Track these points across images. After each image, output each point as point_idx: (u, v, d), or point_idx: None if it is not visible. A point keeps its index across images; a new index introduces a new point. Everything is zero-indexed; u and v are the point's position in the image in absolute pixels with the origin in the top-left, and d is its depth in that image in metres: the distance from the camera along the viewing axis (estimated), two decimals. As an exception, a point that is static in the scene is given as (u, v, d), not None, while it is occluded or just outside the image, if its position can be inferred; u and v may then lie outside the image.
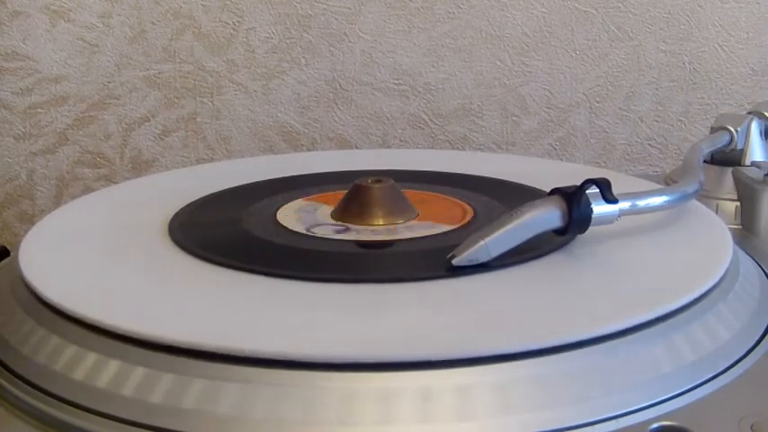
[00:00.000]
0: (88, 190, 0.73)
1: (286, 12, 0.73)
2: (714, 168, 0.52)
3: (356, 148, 0.75)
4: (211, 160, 0.75)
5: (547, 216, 0.37)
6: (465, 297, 0.34)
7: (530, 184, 0.48)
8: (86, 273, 0.37)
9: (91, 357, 0.31)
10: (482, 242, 0.35)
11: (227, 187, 0.49)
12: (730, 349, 0.33)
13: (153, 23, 0.73)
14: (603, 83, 0.75)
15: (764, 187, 0.48)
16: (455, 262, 0.35)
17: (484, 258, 0.36)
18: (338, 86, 0.75)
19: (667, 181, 0.54)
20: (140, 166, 0.75)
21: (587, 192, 0.37)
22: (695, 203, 0.44)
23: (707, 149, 0.50)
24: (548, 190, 0.38)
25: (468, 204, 0.45)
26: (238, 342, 0.30)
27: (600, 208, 0.37)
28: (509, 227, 0.36)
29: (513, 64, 0.75)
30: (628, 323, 0.32)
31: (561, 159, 0.76)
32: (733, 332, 0.34)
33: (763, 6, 0.74)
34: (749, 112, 0.54)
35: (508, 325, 0.32)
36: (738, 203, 0.50)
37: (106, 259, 0.39)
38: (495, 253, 0.36)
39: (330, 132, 0.75)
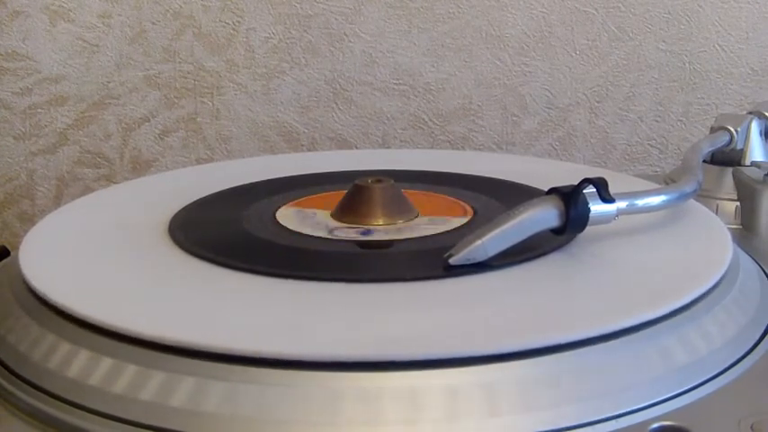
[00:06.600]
0: (88, 190, 0.73)
1: (286, 12, 0.73)
2: (714, 168, 0.52)
3: (356, 148, 0.75)
4: (211, 160, 0.75)
5: (544, 215, 0.37)
6: (462, 297, 0.34)
7: (529, 184, 0.48)
8: (86, 273, 0.37)
9: (91, 357, 0.31)
10: (479, 241, 0.35)
11: (227, 187, 0.49)
12: (730, 349, 0.33)
13: (153, 23, 0.73)
14: (603, 83, 0.75)
15: (764, 187, 0.48)
16: (452, 261, 0.35)
17: (481, 258, 0.35)
18: (338, 86, 0.75)
19: (667, 181, 0.54)
20: (140, 166, 0.75)
21: (585, 191, 0.37)
22: (694, 203, 0.44)
23: (707, 149, 0.50)
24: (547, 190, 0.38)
25: (469, 204, 0.45)
26: (239, 342, 0.30)
27: (597, 207, 0.37)
28: (506, 226, 0.36)
29: (513, 64, 0.75)
30: (627, 323, 0.31)
31: (561, 159, 0.76)
32: (733, 332, 0.34)
33: (763, 6, 0.74)
34: (749, 112, 0.54)
35: (506, 325, 0.32)
36: (738, 203, 0.50)
37: (106, 259, 0.39)
38: (492, 252, 0.36)
39: (330, 132, 0.75)
